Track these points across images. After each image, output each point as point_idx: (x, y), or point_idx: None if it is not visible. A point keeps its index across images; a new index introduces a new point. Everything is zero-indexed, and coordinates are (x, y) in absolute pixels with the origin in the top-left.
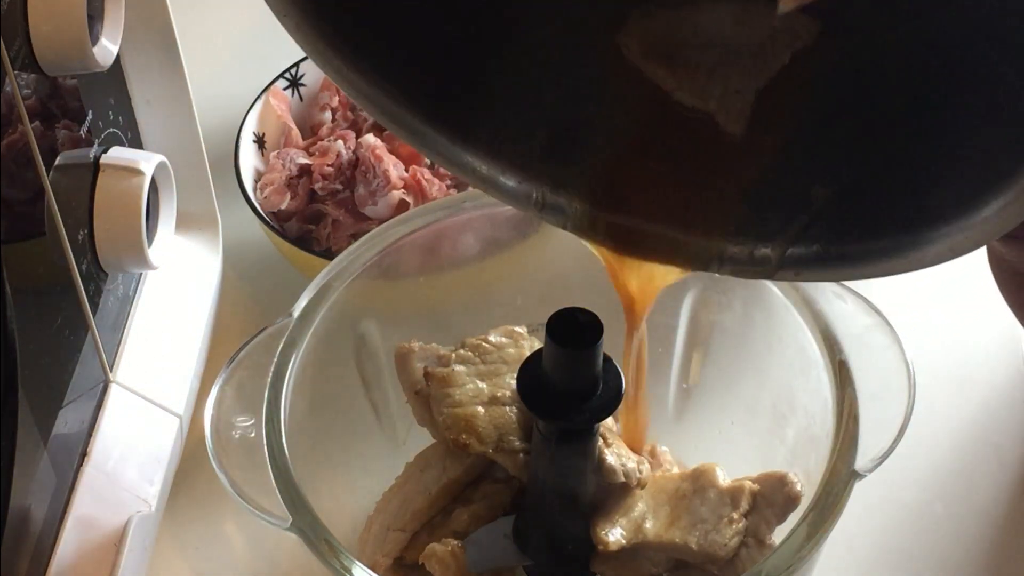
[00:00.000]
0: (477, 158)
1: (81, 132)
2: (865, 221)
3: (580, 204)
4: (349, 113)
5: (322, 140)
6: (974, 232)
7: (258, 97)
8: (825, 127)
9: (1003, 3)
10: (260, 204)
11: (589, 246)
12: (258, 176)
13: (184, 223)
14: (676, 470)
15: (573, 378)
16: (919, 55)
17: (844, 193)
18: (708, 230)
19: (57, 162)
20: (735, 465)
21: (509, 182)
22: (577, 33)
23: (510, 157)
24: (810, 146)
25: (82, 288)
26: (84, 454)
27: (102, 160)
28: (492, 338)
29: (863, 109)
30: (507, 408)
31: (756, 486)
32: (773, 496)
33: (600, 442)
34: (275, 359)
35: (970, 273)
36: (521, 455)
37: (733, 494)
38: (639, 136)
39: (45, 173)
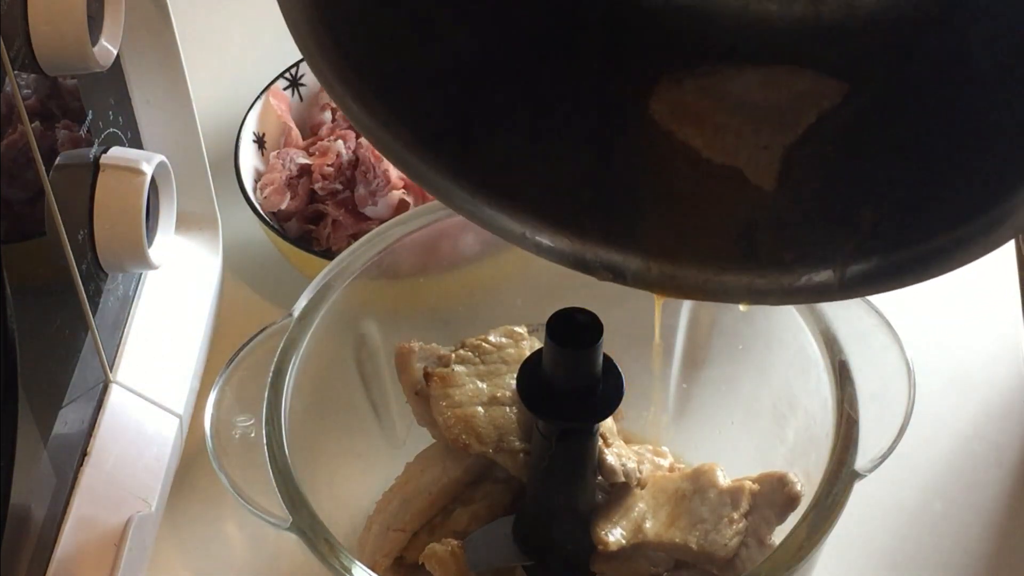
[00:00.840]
0: (529, 227)
1: (81, 132)
2: (916, 227)
3: (635, 261)
4: None
5: (322, 140)
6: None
7: (258, 97)
8: (859, 162)
9: None
10: (260, 204)
11: None
12: (258, 176)
13: (184, 223)
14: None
15: (573, 378)
16: (952, 94)
17: (890, 209)
18: (764, 267)
19: (57, 162)
20: (735, 465)
21: (561, 246)
22: (609, 99)
23: (559, 222)
24: (846, 179)
25: (82, 288)
26: (84, 454)
27: (102, 160)
28: (492, 338)
29: (895, 142)
30: (507, 408)
31: (756, 486)
32: (773, 496)
33: (600, 442)
34: (275, 359)
35: (970, 273)
36: (521, 455)
37: (733, 494)
38: (678, 190)
39: (45, 173)
